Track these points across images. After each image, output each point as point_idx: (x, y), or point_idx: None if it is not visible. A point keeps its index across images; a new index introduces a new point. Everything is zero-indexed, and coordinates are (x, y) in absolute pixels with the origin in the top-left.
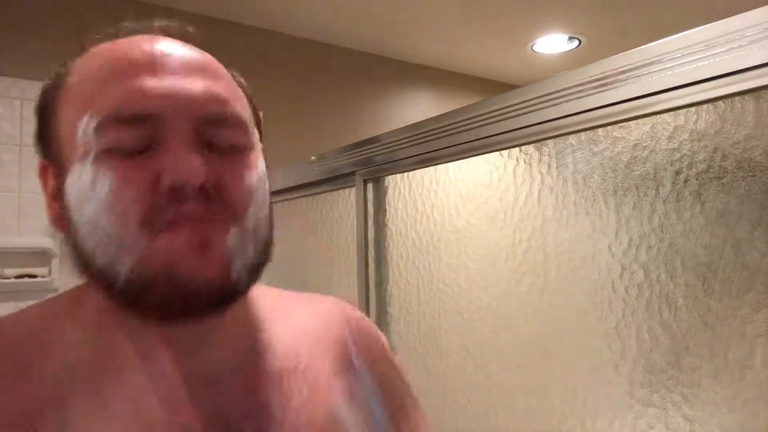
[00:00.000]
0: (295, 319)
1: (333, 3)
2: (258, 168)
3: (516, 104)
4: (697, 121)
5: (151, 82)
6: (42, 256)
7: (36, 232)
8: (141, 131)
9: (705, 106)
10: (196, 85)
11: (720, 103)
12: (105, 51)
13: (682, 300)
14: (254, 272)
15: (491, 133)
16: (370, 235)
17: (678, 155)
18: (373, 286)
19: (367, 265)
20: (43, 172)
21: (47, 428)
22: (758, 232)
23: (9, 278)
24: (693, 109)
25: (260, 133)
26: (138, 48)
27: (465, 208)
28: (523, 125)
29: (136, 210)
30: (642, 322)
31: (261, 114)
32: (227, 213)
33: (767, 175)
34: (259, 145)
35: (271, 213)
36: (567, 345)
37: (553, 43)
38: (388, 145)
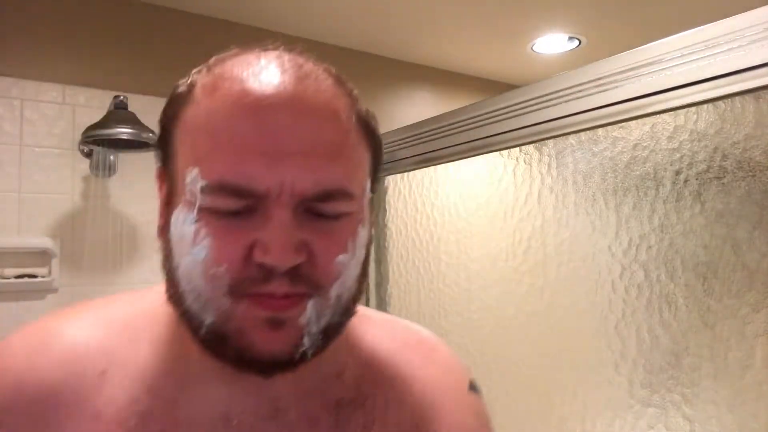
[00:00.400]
0: (367, 345)
1: (333, 3)
2: (357, 235)
3: (516, 104)
4: (697, 121)
5: (261, 162)
6: (42, 256)
7: (36, 232)
8: (244, 201)
9: (705, 106)
10: (308, 169)
11: (720, 103)
12: (223, 89)
13: (682, 300)
14: (331, 333)
15: (491, 133)
16: None
17: (678, 155)
18: (373, 286)
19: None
20: (160, 178)
21: None
22: (758, 232)
23: (9, 278)
24: (693, 109)
25: (377, 158)
26: (256, 103)
27: (465, 208)
28: (523, 125)
29: (227, 279)
30: (642, 322)
31: (378, 137)
32: (310, 289)
33: (767, 175)
34: (365, 202)
35: (366, 264)
36: (567, 345)
37: (553, 43)
38: (388, 145)
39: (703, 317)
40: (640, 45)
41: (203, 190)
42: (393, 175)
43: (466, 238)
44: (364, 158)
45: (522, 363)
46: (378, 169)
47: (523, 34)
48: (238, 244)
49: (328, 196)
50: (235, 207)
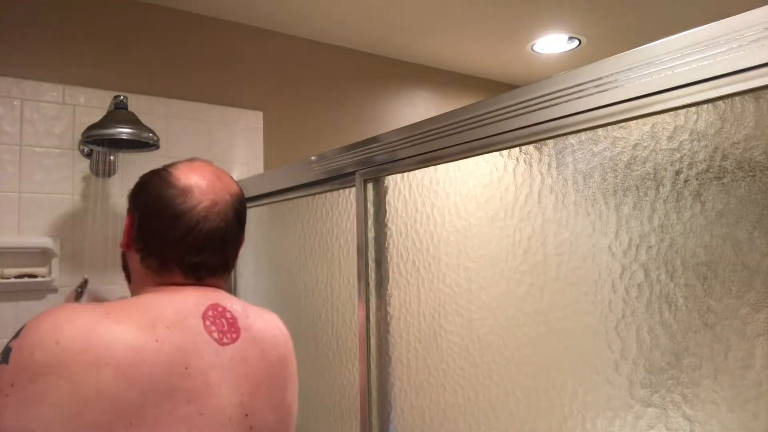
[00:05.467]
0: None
1: (333, 3)
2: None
3: (516, 104)
4: (697, 121)
5: None
6: (42, 256)
7: (36, 232)
8: None
9: (705, 106)
10: None
11: (720, 103)
12: None
13: (682, 300)
14: None
15: (491, 133)
16: (370, 235)
17: (678, 155)
18: (373, 286)
19: (367, 265)
20: None
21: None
22: (758, 232)
23: (9, 278)
24: (693, 109)
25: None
26: None
27: (465, 208)
28: (523, 125)
29: None
30: (642, 322)
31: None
32: None
33: (767, 175)
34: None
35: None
36: (567, 345)
37: (553, 43)
38: (388, 145)
39: (703, 317)
40: (640, 45)
41: None
42: (393, 175)
43: (466, 238)
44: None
45: (522, 363)
46: (132, 195)
47: (523, 34)
48: None
49: None
50: None
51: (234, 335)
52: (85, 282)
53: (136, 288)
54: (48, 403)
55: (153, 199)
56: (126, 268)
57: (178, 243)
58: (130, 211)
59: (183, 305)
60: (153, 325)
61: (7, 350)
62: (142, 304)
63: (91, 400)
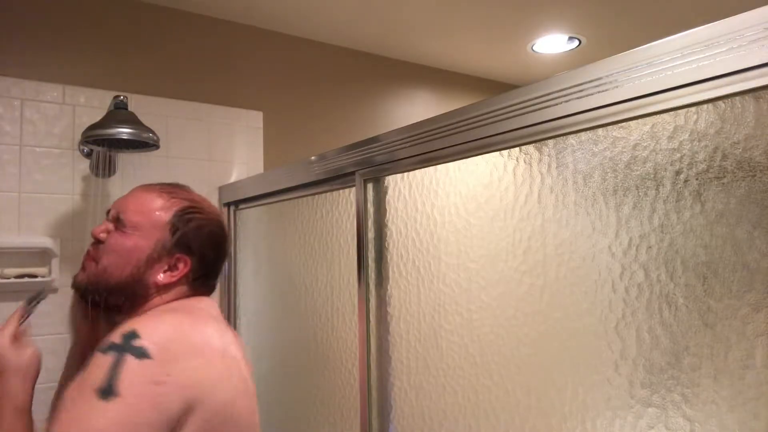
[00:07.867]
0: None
1: (333, 3)
2: (119, 240)
3: (516, 104)
4: (697, 121)
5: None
6: (42, 256)
7: (36, 232)
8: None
9: (705, 106)
10: (115, 207)
11: (720, 103)
12: None
13: (682, 300)
14: (92, 287)
15: (491, 133)
16: (370, 235)
17: (678, 155)
18: (373, 286)
19: (367, 265)
20: None
21: None
22: (758, 232)
23: (9, 278)
24: (693, 109)
25: (172, 237)
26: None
27: (465, 208)
28: (523, 125)
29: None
30: (642, 322)
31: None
32: (98, 254)
33: (767, 175)
34: (137, 231)
35: (120, 262)
36: (567, 345)
37: (553, 43)
38: (388, 145)
39: (703, 317)
40: (640, 45)
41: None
42: (393, 175)
43: (466, 238)
44: (149, 217)
45: (522, 363)
46: (184, 237)
47: (523, 34)
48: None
49: (116, 218)
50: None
51: (234, 332)
52: (42, 293)
53: (158, 302)
54: (197, 380)
55: (212, 246)
56: (132, 297)
57: (215, 274)
58: (183, 253)
59: (212, 309)
60: (219, 325)
61: (140, 349)
62: (195, 308)
63: (223, 381)
